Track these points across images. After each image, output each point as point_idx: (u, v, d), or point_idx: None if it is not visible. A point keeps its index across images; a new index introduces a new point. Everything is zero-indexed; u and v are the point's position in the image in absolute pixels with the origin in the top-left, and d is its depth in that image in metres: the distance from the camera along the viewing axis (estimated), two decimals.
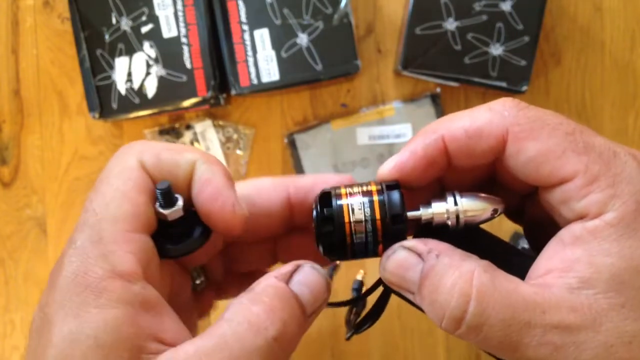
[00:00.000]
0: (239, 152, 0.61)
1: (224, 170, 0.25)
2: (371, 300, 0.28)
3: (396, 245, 0.25)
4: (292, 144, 0.60)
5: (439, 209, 0.26)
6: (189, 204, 0.25)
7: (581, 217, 0.23)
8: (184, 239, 0.25)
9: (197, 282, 0.30)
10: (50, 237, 0.62)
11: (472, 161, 0.25)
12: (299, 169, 0.60)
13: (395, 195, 0.25)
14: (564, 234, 0.23)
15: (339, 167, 0.60)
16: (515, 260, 0.25)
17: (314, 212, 0.26)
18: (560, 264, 0.23)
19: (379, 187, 0.26)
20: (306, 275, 0.24)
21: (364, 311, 0.29)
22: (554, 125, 0.23)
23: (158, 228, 0.24)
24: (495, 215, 0.26)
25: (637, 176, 0.22)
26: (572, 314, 0.22)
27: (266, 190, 0.30)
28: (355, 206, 0.25)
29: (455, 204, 0.25)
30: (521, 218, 0.29)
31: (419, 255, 0.24)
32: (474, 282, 0.22)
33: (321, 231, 0.25)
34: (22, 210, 0.62)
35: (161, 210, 0.24)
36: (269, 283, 0.23)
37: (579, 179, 0.22)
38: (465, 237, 0.26)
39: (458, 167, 0.26)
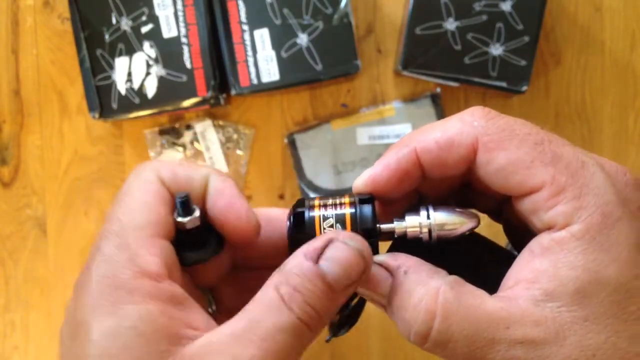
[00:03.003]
0: (239, 152, 0.61)
1: (235, 183, 0.27)
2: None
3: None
4: (292, 144, 0.60)
5: (412, 223, 0.26)
6: (203, 216, 0.27)
7: (549, 228, 0.23)
8: (200, 248, 0.27)
9: (210, 310, 0.31)
10: (50, 237, 0.62)
11: (445, 171, 0.25)
12: (299, 169, 0.60)
13: (367, 209, 0.26)
14: (533, 244, 0.24)
15: (339, 167, 0.60)
16: (490, 271, 0.25)
17: (287, 223, 0.26)
18: (529, 275, 0.23)
19: (352, 199, 0.26)
20: (337, 250, 0.24)
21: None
22: (523, 135, 0.24)
23: (176, 237, 0.26)
24: (467, 232, 0.26)
25: (604, 187, 0.22)
26: (536, 328, 0.22)
27: (276, 220, 0.30)
28: (327, 219, 0.25)
29: (428, 217, 0.25)
30: (501, 217, 0.30)
31: (389, 270, 0.25)
32: (439, 299, 0.23)
33: (292, 241, 0.25)
34: (22, 210, 0.62)
35: (180, 220, 0.26)
36: (297, 262, 0.24)
37: (546, 189, 0.23)
38: (442, 249, 0.26)
39: (433, 178, 0.26)
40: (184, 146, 0.61)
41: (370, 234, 0.25)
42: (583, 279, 0.22)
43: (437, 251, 0.26)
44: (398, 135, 0.60)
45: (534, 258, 0.23)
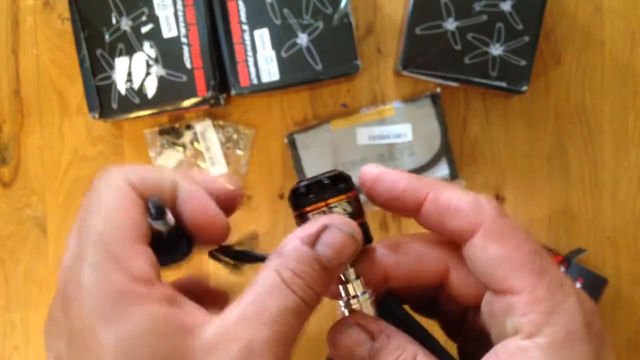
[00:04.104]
0: (239, 152, 0.61)
1: (202, 187, 0.28)
2: None
3: (350, 321, 0.27)
4: (292, 144, 0.60)
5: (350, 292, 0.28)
6: (174, 218, 0.27)
7: (516, 332, 0.25)
8: (172, 250, 0.27)
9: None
10: (50, 237, 0.62)
11: (442, 232, 0.27)
12: (299, 169, 0.60)
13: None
14: (499, 348, 0.25)
15: (339, 167, 0.60)
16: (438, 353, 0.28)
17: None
18: None
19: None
20: (333, 236, 0.25)
21: None
22: (522, 241, 0.25)
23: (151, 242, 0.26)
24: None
25: (573, 311, 0.24)
26: None
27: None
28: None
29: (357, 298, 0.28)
30: (457, 333, 0.31)
31: (370, 333, 0.27)
32: None
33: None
34: (22, 210, 0.62)
35: (153, 223, 0.26)
36: (295, 246, 0.25)
37: (525, 295, 0.25)
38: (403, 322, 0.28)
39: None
40: (184, 146, 0.61)
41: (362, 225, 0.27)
42: None
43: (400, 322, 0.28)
44: (398, 135, 0.60)
45: None
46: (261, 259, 0.28)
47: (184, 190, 0.27)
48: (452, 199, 0.26)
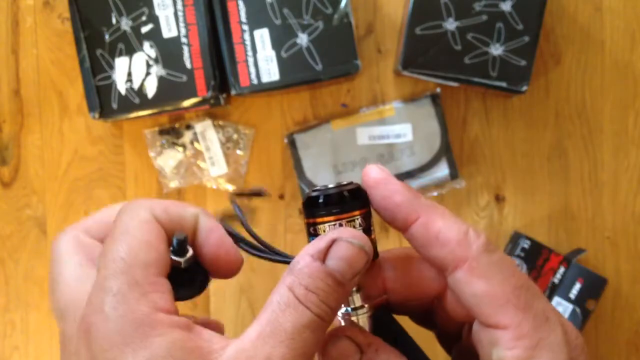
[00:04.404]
0: (239, 152, 0.61)
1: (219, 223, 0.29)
2: None
3: (340, 333, 0.28)
4: (292, 144, 0.60)
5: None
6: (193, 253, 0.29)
7: None
8: (190, 284, 0.29)
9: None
10: (50, 237, 0.62)
11: (426, 255, 0.27)
12: (299, 169, 0.60)
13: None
14: None
15: (339, 167, 0.60)
16: None
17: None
18: None
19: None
20: (342, 250, 0.26)
21: None
22: (507, 276, 0.26)
23: (170, 275, 0.28)
24: None
25: (558, 345, 0.25)
26: None
27: None
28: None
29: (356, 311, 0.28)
30: (452, 346, 0.32)
31: (358, 345, 0.27)
32: None
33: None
34: (22, 210, 0.62)
35: (176, 258, 0.27)
36: (306, 263, 0.26)
37: (509, 331, 0.25)
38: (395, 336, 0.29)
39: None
40: (184, 146, 0.61)
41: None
42: None
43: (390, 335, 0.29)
44: (398, 135, 0.60)
45: None
46: (280, 256, 0.29)
47: (204, 225, 0.28)
48: (442, 229, 0.27)
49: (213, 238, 0.28)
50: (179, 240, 0.27)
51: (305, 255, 0.26)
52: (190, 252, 0.27)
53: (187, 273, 0.28)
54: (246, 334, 0.25)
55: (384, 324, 0.30)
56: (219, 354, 0.24)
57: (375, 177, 0.28)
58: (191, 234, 0.28)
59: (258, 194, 0.33)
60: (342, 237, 0.26)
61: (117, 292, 0.24)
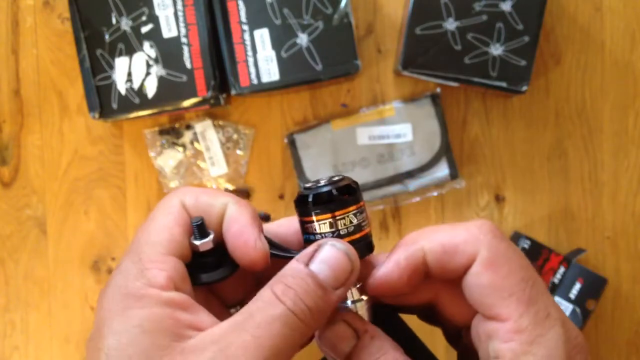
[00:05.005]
0: (239, 152, 0.61)
1: (251, 211, 0.29)
2: None
3: (338, 317, 0.28)
4: (292, 144, 0.60)
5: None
6: (220, 240, 0.29)
7: (497, 357, 0.25)
8: (213, 269, 0.29)
9: (232, 310, 0.33)
10: (50, 237, 0.62)
11: (446, 274, 0.28)
12: (299, 169, 0.60)
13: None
14: None
15: (339, 167, 0.60)
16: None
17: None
18: None
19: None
20: (325, 253, 0.26)
21: None
22: (515, 267, 0.26)
23: (193, 259, 0.28)
24: None
25: (556, 342, 0.25)
26: None
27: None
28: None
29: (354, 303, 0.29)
30: (458, 342, 0.32)
31: (355, 330, 0.27)
32: None
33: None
34: (22, 210, 0.62)
35: (194, 242, 0.28)
36: (290, 266, 0.26)
37: (509, 324, 0.25)
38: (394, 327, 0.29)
39: (436, 277, 0.28)
40: (184, 146, 0.61)
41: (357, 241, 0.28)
42: None
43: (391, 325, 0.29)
44: (398, 135, 0.60)
45: None
46: (288, 253, 0.29)
47: (229, 214, 0.29)
48: (446, 243, 0.27)
49: (234, 227, 0.28)
50: (195, 224, 0.28)
51: (292, 260, 0.27)
52: (210, 237, 0.28)
53: (212, 258, 0.29)
54: (220, 323, 0.25)
55: (385, 316, 0.29)
56: (189, 336, 0.24)
57: (379, 280, 0.28)
58: (218, 222, 0.29)
59: (263, 218, 0.33)
60: (327, 242, 0.27)
61: (123, 268, 0.26)
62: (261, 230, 0.29)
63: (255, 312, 0.25)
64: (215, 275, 0.29)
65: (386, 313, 0.30)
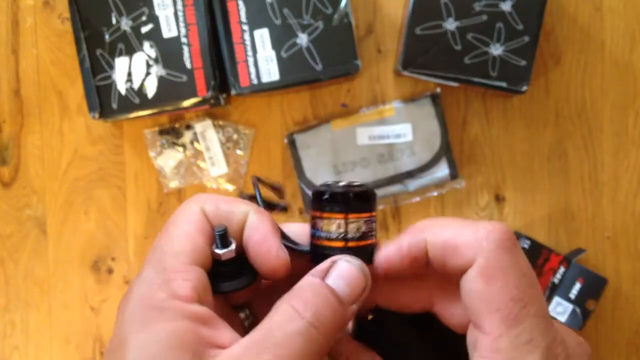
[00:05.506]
0: (239, 152, 0.61)
1: (271, 220, 0.29)
2: None
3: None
4: (292, 144, 0.60)
5: None
6: (240, 249, 0.29)
7: None
8: (234, 278, 0.29)
9: (246, 324, 0.33)
10: (50, 237, 0.62)
11: (444, 270, 0.28)
12: (299, 169, 0.60)
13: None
14: None
15: (339, 167, 0.60)
16: None
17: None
18: None
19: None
20: (341, 269, 0.27)
21: None
22: (509, 284, 0.26)
23: (213, 267, 0.28)
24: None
25: None
26: None
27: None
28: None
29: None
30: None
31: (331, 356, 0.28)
32: None
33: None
34: (22, 210, 0.62)
35: (216, 251, 0.28)
36: (306, 281, 0.27)
37: (488, 339, 0.25)
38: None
39: (436, 269, 0.29)
40: (184, 146, 0.61)
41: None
42: None
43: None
44: (398, 135, 0.60)
45: None
46: (299, 247, 0.29)
47: (250, 222, 0.29)
48: (448, 240, 0.27)
49: (256, 236, 0.28)
50: (219, 233, 0.28)
51: (307, 275, 0.27)
52: (233, 246, 0.28)
53: (233, 267, 0.29)
54: (240, 341, 0.25)
55: (373, 325, 0.30)
56: (210, 355, 0.24)
57: (382, 258, 0.28)
58: (239, 230, 0.29)
59: (277, 189, 0.34)
60: (341, 258, 0.27)
61: (145, 277, 0.26)
62: (280, 239, 0.29)
63: (274, 329, 0.25)
64: (237, 284, 0.29)
65: (378, 322, 0.30)
